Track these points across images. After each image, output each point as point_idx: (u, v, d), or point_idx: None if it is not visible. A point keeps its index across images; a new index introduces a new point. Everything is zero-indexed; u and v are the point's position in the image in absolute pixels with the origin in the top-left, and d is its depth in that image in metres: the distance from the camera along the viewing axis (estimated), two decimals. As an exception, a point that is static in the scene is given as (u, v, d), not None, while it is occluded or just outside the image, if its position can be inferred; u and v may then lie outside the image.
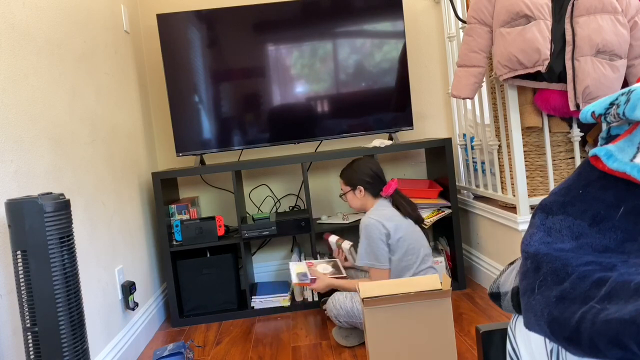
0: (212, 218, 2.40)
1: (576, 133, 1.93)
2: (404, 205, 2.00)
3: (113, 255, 1.95)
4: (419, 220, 2.02)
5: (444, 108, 2.86)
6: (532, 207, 1.99)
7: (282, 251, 2.84)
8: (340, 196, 2.14)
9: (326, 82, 2.52)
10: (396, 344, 1.48)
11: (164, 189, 2.39)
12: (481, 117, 2.31)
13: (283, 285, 2.61)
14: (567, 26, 1.73)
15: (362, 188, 2.03)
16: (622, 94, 0.73)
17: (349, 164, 2.09)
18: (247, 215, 2.75)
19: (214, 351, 2.05)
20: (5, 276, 1.25)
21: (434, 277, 1.56)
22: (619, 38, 1.70)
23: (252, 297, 2.43)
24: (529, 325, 0.69)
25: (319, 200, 2.83)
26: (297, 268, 2.15)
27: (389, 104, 2.55)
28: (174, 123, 2.48)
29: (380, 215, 1.94)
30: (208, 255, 2.47)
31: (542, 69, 1.74)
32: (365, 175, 2.03)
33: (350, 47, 2.51)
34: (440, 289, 1.50)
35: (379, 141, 2.47)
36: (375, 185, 2.03)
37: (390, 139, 2.61)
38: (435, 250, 2.58)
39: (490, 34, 1.90)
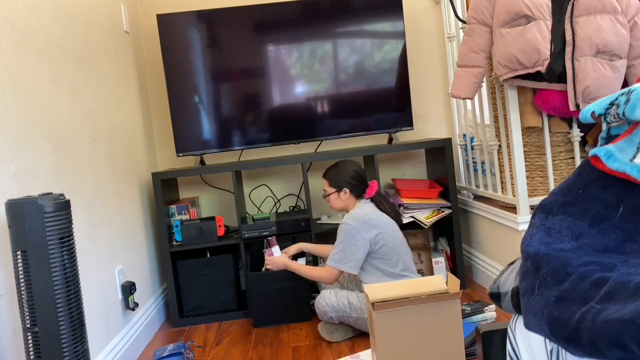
0: (212, 218, 2.40)
1: (576, 133, 1.93)
2: (385, 206, 2.06)
3: (113, 256, 1.95)
4: (398, 221, 2.08)
5: (444, 108, 2.86)
6: (532, 208, 1.98)
7: (282, 251, 2.84)
8: (324, 197, 2.16)
9: (326, 83, 2.52)
10: (404, 346, 1.47)
11: (164, 189, 2.39)
12: (481, 117, 2.31)
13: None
14: (567, 26, 1.73)
15: (347, 190, 2.07)
16: (622, 94, 0.73)
17: (334, 165, 2.12)
18: (247, 215, 2.75)
19: (214, 351, 2.05)
20: (5, 276, 1.25)
21: (439, 277, 1.56)
22: (619, 38, 1.70)
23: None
24: (529, 326, 0.69)
25: (319, 201, 2.83)
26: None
27: (389, 104, 2.55)
28: (174, 123, 2.48)
29: (359, 219, 1.97)
30: (208, 256, 2.47)
31: (542, 69, 1.74)
32: (350, 177, 2.06)
33: (350, 47, 2.51)
34: (450, 292, 1.49)
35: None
36: (359, 187, 2.08)
37: (391, 139, 2.61)
38: (435, 250, 2.58)
39: (490, 34, 1.90)
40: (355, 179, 2.06)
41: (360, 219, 1.96)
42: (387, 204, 2.07)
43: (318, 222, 2.63)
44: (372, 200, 2.08)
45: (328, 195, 2.11)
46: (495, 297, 0.86)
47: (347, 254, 1.95)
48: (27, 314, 1.10)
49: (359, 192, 2.08)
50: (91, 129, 1.88)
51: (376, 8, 2.50)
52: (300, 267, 2.14)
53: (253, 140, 2.52)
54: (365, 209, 2.01)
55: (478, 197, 2.54)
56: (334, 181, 2.09)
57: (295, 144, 2.55)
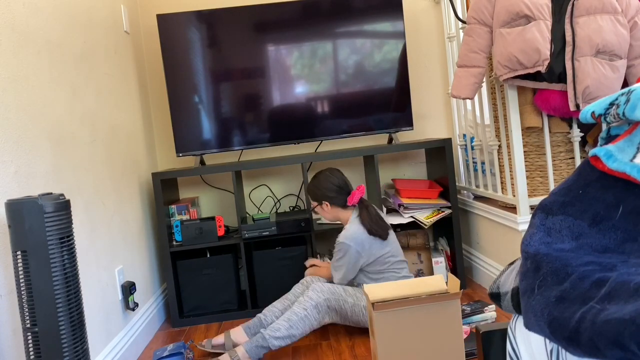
0: (212, 218, 2.40)
1: (576, 133, 1.93)
2: (367, 219, 2.01)
3: (113, 256, 1.95)
4: (385, 233, 2.02)
5: (444, 108, 2.86)
6: (532, 208, 1.98)
7: (282, 251, 2.84)
8: (311, 210, 2.20)
9: (326, 83, 2.52)
10: (404, 346, 1.47)
11: (164, 189, 2.39)
12: (481, 117, 2.31)
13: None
14: (567, 26, 1.73)
15: (327, 203, 2.09)
16: (622, 94, 0.73)
17: (312, 179, 2.14)
18: (247, 215, 2.75)
19: (214, 351, 2.05)
20: (5, 276, 1.25)
21: (439, 277, 1.56)
22: (619, 38, 1.70)
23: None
24: (529, 326, 0.69)
25: (319, 201, 2.83)
26: None
27: (389, 104, 2.55)
28: (174, 123, 2.48)
29: (357, 240, 1.98)
30: (208, 256, 2.46)
31: (542, 69, 1.74)
32: (327, 190, 2.08)
33: (350, 47, 2.51)
34: (450, 292, 1.49)
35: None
36: (341, 197, 2.08)
37: (391, 139, 2.61)
38: (435, 250, 2.58)
39: (490, 34, 1.90)
40: (331, 190, 2.07)
41: (359, 240, 1.98)
42: (369, 217, 2.02)
43: (318, 222, 2.63)
44: (358, 209, 2.07)
45: (313, 208, 2.16)
46: (495, 297, 0.86)
47: (349, 271, 2.01)
48: (27, 314, 1.10)
49: (340, 202, 2.08)
50: (91, 129, 1.88)
51: (376, 8, 2.50)
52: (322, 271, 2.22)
53: (253, 140, 2.52)
54: (359, 232, 2.00)
55: (478, 197, 2.54)
56: (313, 195, 2.13)
57: (295, 144, 2.55)
